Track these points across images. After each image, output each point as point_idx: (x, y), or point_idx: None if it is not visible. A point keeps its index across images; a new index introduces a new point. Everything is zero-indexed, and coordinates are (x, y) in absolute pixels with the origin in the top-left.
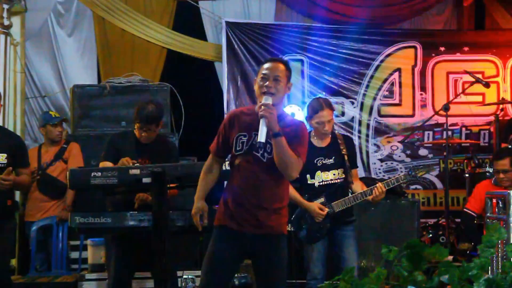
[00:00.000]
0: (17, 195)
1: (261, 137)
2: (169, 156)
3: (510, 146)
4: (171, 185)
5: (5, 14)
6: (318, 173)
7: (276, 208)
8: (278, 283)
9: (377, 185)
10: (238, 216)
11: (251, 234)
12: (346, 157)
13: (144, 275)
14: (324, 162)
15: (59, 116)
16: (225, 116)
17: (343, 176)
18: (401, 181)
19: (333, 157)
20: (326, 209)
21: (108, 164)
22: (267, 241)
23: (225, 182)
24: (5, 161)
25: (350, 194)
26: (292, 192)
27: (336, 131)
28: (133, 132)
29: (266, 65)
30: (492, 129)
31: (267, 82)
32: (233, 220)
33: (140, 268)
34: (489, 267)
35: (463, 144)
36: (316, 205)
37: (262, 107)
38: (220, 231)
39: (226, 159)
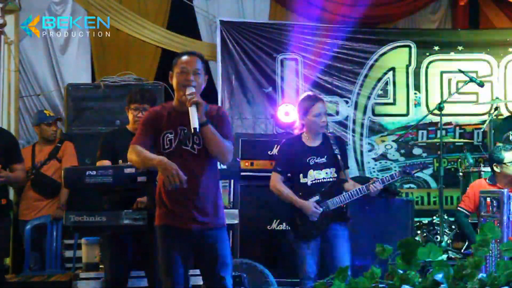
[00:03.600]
0: (11, 194)
1: (195, 123)
2: None
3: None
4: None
5: None
6: (311, 172)
7: (214, 199)
8: (224, 274)
9: (373, 183)
10: (179, 213)
11: (195, 229)
12: (339, 157)
13: (140, 274)
14: (316, 161)
15: (54, 115)
16: (143, 119)
17: (336, 175)
18: (396, 178)
19: (325, 156)
20: (321, 209)
21: (106, 163)
22: (211, 235)
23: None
24: None
25: (344, 192)
26: (286, 191)
27: (327, 132)
28: (125, 128)
29: (184, 59)
30: (486, 128)
31: (188, 76)
32: (174, 218)
33: (135, 267)
34: (483, 266)
35: (457, 143)
36: (311, 204)
37: (192, 95)
38: (164, 230)
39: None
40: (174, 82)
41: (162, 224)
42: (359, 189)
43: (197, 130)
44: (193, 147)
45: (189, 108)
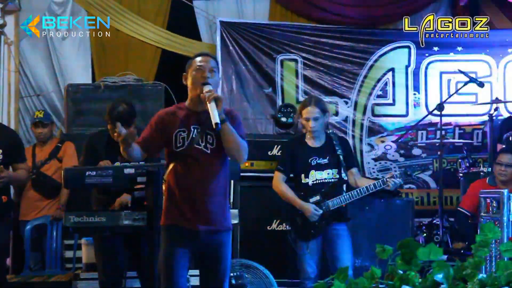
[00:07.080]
0: (11, 194)
1: (216, 118)
2: None
3: (504, 146)
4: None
5: None
6: (312, 172)
7: (223, 201)
8: (224, 277)
9: (391, 177)
10: (188, 213)
11: (203, 230)
12: (341, 158)
13: (135, 275)
14: (318, 161)
15: (41, 116)
16: (154, 116)
17: (338, 176)
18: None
19: (328, 157)
20: (321, 211)
21: None
22: (217, 238)
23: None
24: (1, 157)
25: (345, 192)
26: (288, 191)
27: (330, 132)
28: (109, 131)
29: (199, 59)
30: (485, 129)
31: (205, 73)
32: (184, 218)
33: (130, 268)
34: (483, 267)
35: (456, 144)
36: (310, 206)
37: (211, 91)
38: (171, 231)
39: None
40: (189, 81)
41: (168, 224)
42: (373, 184)
43: (219, 125)
44: (206, 146)
45: (208, 104)
